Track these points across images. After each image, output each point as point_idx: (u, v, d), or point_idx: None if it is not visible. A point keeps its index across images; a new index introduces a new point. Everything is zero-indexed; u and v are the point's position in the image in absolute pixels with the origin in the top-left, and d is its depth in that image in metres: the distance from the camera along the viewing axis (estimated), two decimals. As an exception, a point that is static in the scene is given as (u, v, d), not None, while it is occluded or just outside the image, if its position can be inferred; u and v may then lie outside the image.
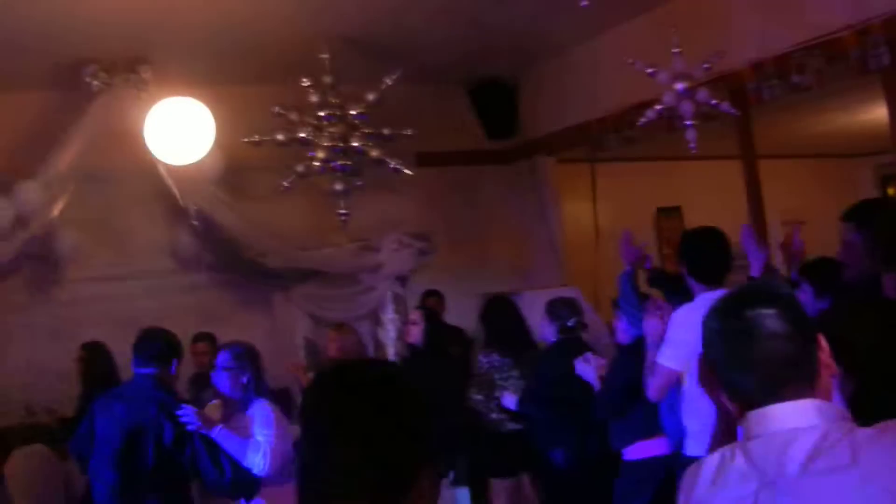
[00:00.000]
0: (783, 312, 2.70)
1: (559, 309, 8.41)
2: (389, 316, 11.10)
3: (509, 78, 12.47)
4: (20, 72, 9.49)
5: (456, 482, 9.32)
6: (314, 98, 8.99)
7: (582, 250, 11.97)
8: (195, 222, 10.26)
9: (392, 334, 10.88)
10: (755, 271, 6.35)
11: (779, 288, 2.86)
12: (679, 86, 7.87)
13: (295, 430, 6.43)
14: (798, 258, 6.81)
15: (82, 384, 8.79)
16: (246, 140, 9.05)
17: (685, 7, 9.48)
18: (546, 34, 10.56)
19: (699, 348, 5.17)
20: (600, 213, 11.95)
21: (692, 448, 6.29)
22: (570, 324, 8.32)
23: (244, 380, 6.59)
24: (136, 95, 9.52)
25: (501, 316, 9.18)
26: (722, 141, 9.48)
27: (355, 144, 9.06)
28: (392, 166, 9.30)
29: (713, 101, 7.96)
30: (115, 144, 9.51)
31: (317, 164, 9.11)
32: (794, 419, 2.63)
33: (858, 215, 5.41)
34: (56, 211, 9.62)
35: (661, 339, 6.38)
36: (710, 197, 12.93)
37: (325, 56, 9.08)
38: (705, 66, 7.85)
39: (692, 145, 8.06)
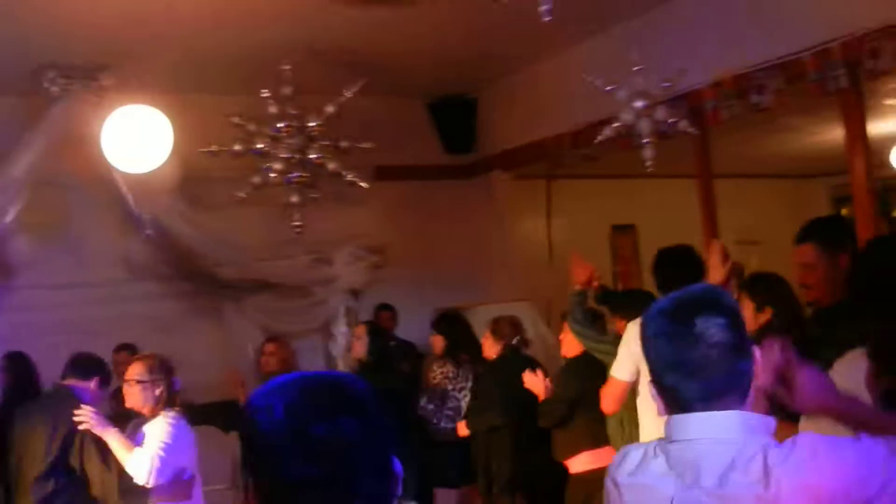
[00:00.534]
0: (731, 323, 2.73)
1: (503, 327, 8.59)
2: (341, 329, 11.08)
3: (469, 93, 12.49)
4: (-22, 76, 9.43)
5: (404, 495, 9.31)
6: (273, 109, 8.96)
7: (536, 266, 11.99)
8: (149, 231, 10.20)
9: (343, 348, 10.85)
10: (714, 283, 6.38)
11: (726, 297, 2.87)
12: (637, 103, 7.90)
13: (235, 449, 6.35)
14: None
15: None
16: (203, 150, 9.00)
17: (645, 26, 9.52)
18: (506, 50, 10.59)
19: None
20: (555, 230, 11.98)
21: None
22: (513, 342, 8.50)
23: (157, 392, 6.47)
24: (95, 102, 9.46)
25: (454, 329, 9.29)
26: (678, 159, 9.50)
27: (312, 156, 9.02)
28: (349, 179, 9.27)
29: (671, 120, 7.99)
30: (72, 151, 9.45)
31: (273, 175, 9.07)
32: (715, 430, 2.68)
33: (820, 235, 5.42)
34: (11, 216, 9.52)
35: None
36: (666, 215, 12.98)
37: (286, 67, 9.04)
38: (665, 84, 7.88)
39: (649, 163, 8.08)
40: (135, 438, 6.43)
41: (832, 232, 5.60)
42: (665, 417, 2.84)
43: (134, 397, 6.45)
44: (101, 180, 9.68)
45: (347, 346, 10.65)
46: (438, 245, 12.51)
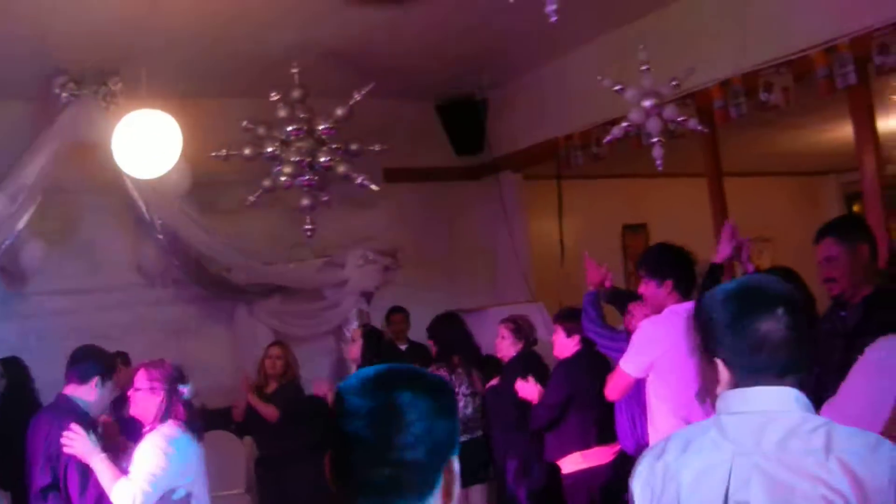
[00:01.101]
0: (801, 308, 2.99)
1: (524, 327, 8.60)
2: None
3: (478, 94, 12.49)
4: (-11, 81, 9.45)
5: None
6: (282, 113, 8.96)
7: (548, 266, 11.98)
8: (161, 236, 10.21)
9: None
10: (718, 258, 6.56)
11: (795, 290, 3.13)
12: (646, 103, 7.89)
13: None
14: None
15: None
16: (214, 154, 9.01)
17: (653, 25, 9.52)
18: (514, 51, 10.60)
19: (663, 362, 5.30)
20: (567, 230, 11.96)
21: None
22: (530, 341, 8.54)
23: (157, 401, 6.08)
24: (104, 107, 9.48)
25: (449, 332, 9.31)
26: (689, 158, 9.50)
27: (322, 160, 9.03)
28: (359, 182, 9.27)
29: (680, 119, 7.99)
30: (82, 156, 9.47)
31: (283, 178, 9.07)
32: (778, 403, 2.87)
33: (839, 229, 5.49)
34: (22, 223, 9.53)
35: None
36: (677, 214, 12.96)
37: (295, 70, 9.05)
38: (673, 83, 7.87)
39: (659, 163, 8.08)
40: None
41: (849, 226, 5.74)
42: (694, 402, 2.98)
43: (136, 406, 6.21)
44: (112, 186, 9.69)
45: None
46: (450, 247, 12.53)
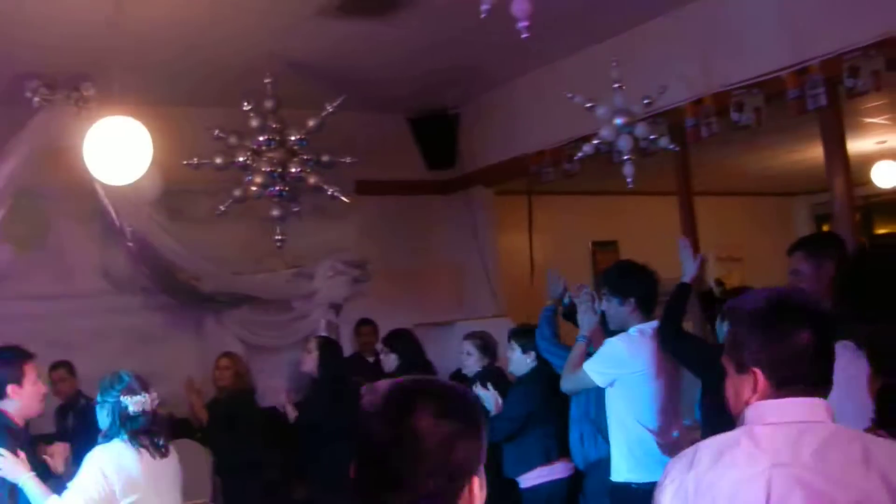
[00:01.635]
0: (830, 322, 3.05)
1: (492, 343, 8.63)
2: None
3: (450, 108, 12.49)
4: (-41, 85, 9.40)
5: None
6: (254, 122, 8.96)
7: (518, 281, 12.00)
8: (130, 243, 10.17)
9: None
10: (688, 278, 6.63)
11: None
12: (617, 120, 7.92)
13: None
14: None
15: None
16: (185, 163, 8.99)
17: (626, 43, 9.55)
18: (488, 67, 10.61)
19: (628, 378, 5.37)
20: (537, 246, 11.99)
21: (621, 473, 6.54)
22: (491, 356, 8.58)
23: (104, 414, 5.85)
24: (76, 113, 9.43)
25: (409, 347, 9.36)
26: (659, 177, 9.53)
27: (294, 170, 9.02)
28: (330, 193, 9.27)
29: (652, 137, 8.02)
30: (53, 161, 9.41)
31: (254, 188, 9.06)
32: (809, 413, 2.92)
33: (809, 244, 5.62)
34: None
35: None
36: (647, 232, 12.98)
37: (268, 80, 9.05)
38: (645, 101, 7.91)
39: (630, 180, 8.11)
40: None
41: (820, 242, 5.95)
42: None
43: (98, 417, 6.07)
44: (83, 191, 9.64)
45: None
46: (419, 260, 12.52)
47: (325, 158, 9.22)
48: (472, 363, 8.60)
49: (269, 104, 9.04)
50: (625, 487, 6.58)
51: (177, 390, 9.63)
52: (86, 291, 10.38)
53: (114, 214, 9.94)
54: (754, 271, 10.60)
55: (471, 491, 2.35)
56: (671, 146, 8.25)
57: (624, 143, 7.98)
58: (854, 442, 2.84)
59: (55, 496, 5.56)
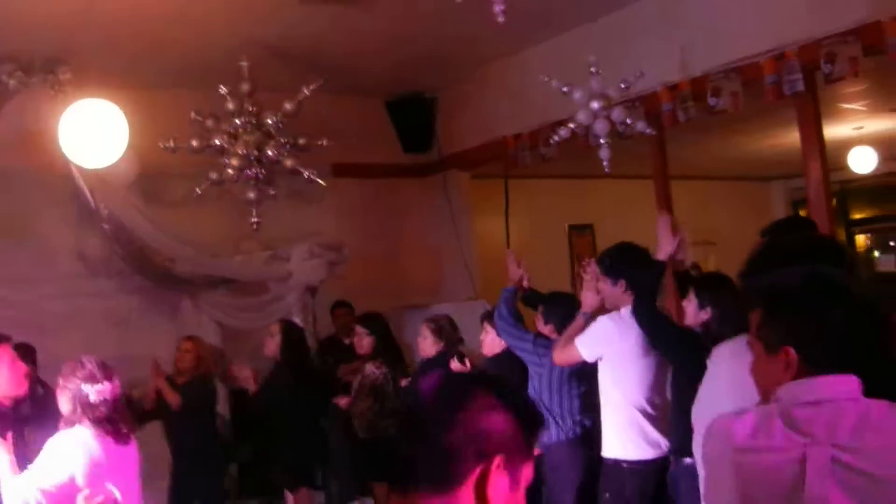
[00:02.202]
0: (863, 299, 3.02)
1: (446, 328, 8.73)
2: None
3: (428, 92, 12.48)
4: (-67, 69, 9.33)
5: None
6: (230, 105, 8.94)
7: (494, 264, 11.97)
8: (106, 225, 10.13)
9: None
10: (662, 255, 6.64)
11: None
12: (594, 104, 7.93)
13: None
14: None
15: None
16: (162, 146, 8.97)
17: (603, 28, 9.56)
18: (465, 50, 10.60)
19: (616, 356, 5.41)
20: (514, 229, 11.99)
21: (611, 450, 6.70)
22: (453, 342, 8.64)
23: (63, 400, 5.80)
24: (52, 96, 9.39)
25: (386, 330, 9.41)
26: (636, 160, 9.53)
27: (270, 153, 9.01)
28: (306, 176, 9.26)
29: (628, 121, 8.03)
30: (28, 144, 9.36)
31: (231, 171, 9.05)
32: (844, 391, 2.88)
33: (780, 228, 5.60)
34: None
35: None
36: (623, 215, 13.02)
37: (244, 63, 9.02)
38: (622, 85, 7.92)
39: (606, 164, 8.12)
40: None
41: (791, 226, 5.79)
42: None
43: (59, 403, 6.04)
44: (58, 174, 9.60)
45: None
46: (396, 243, 12.53)
47: (301, 141, 9.20)
48: (427, 346, 8.67)
49: (245, 87, 9.02)
50: (615, 465, 6.74)
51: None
52: (61, 274, 10.32)
53: (90, 197, 9.89)
54: (729, 255, 10.58)
55: (488, 469, 2.30)
56: (648, 130, 8.26)
57: (600, 126, 7.99)
58: (890, 417, 2.82)
59: (16, 475, 5.55)
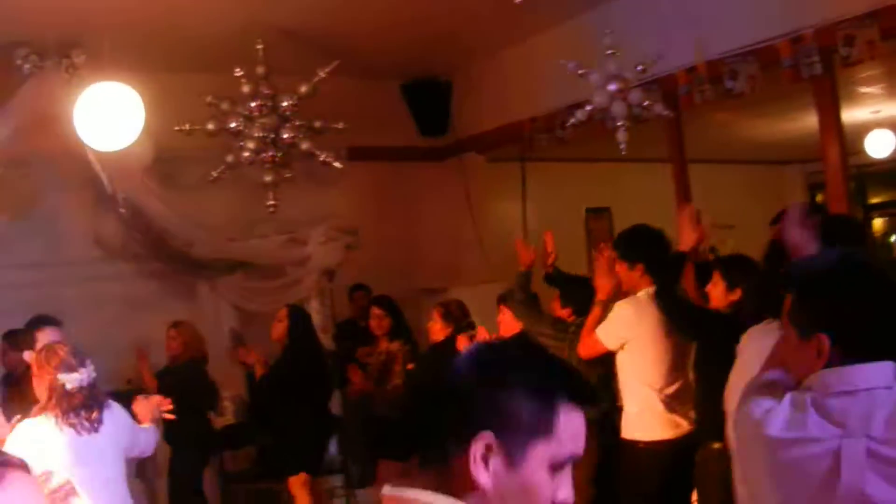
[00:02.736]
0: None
1: (454, 311, 8.77)
2: (315, 309, 11.03)
3: (443, 75, 12.46)
4: (-52, 53, 9.33)
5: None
6: (246, 88, 8.93)
7: (510, 248, 11.97)
8: (122, 210, 10.13)
9: (318, 328, 10.82)
10: (685, 248, 6.65)
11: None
12: (611, 87, 7.91)
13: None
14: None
15: None
16: (177, 129, 8.97)
17: (620, 9, 9.51)
18: (481, 33, 10.57)
19: (637, 341, 5.41)
20: (530, 213, 11.97)
21: (630, 431, 6.73)
22: (463, 325, 8.67)
23: (39, 388, 5.82)
24: (67, 80, 9.37)
25: (399, 311, 9.48)
26: (653, 144, 9.51)
27: (286, 136, 9.01)
28: (322, 159, 9.25)
29: (645, 103, 8.01)
30: (43, 129, 9.34)
31: (246, 154, 9.05)
32: (879, 379, 2.83)
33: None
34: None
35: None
36: (640, 199, 12.95)
37: (260, 46, 9.02)
38: (639, 67, 7.89)
39: (623, 146, 8.10)
40: None
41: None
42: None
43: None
44: (74, 159, 9.58)
45: (321, 326, 10.65)
46: (412, 226, 12.51)
47: (317, 124, 9.20)
48: (437, 331, 8.72)
49: (260, 70, 9.01)
50: (632, 445, 6.82)
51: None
52: (77, 259, 10.33)
53: (106, 181, 9.89)
54: (747, 239, 10.56)
55: (476, 450, 2.16)
56: (665, 113, 8.24)
57: (618, 108, 7.97)
58: None
59: None
